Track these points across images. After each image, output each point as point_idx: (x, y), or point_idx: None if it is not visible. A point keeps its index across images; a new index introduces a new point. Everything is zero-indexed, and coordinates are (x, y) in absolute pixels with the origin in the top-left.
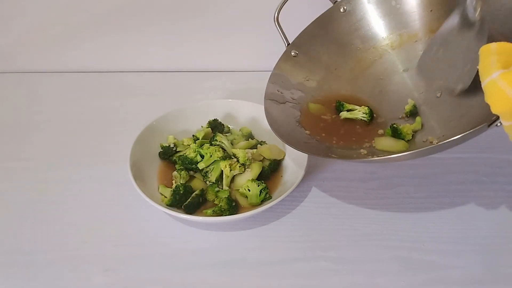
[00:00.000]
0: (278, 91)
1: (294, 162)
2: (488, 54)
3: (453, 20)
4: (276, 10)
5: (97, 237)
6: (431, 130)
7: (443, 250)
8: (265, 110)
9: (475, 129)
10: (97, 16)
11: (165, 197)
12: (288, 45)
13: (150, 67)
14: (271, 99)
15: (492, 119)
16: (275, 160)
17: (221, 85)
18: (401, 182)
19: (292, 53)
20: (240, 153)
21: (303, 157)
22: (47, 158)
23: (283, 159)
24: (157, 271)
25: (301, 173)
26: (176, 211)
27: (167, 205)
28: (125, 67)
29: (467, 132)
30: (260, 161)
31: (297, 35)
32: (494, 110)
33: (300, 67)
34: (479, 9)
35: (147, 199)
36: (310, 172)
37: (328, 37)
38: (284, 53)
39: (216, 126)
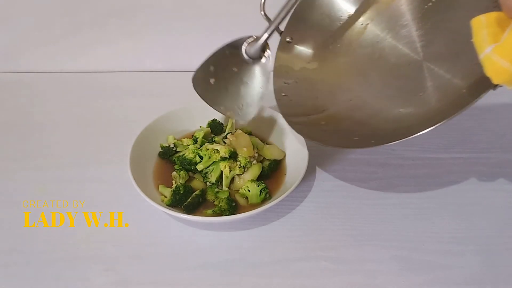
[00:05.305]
0: (285, 83)
1: (295, 162)
2: (479, 28)
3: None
4: (261, 2)
5: (97, 237)
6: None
7: (443, 250)
8: (278, 107)
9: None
10: (97, 17)
11: (165, 197)
12: (280, 33)
13: (150, 67)
14: (282, 93)
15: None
16: (275, 160)
17: None
18: (401, 182)
19: (287, 39)
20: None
21: (303, 157)
22: (47, 158)
23: (283, 159)
24: (157, 271)
25: (301, 173)
26: (176, 211)
27: (167, 205)
28: (125, 67)
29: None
30: (260, 161)
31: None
32: (496, 81)
33: (299, 52)
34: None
35: (147, 199)
36: (310, 172)
37: (316, 14)
38: (279, 42)
39: (215, 126)
